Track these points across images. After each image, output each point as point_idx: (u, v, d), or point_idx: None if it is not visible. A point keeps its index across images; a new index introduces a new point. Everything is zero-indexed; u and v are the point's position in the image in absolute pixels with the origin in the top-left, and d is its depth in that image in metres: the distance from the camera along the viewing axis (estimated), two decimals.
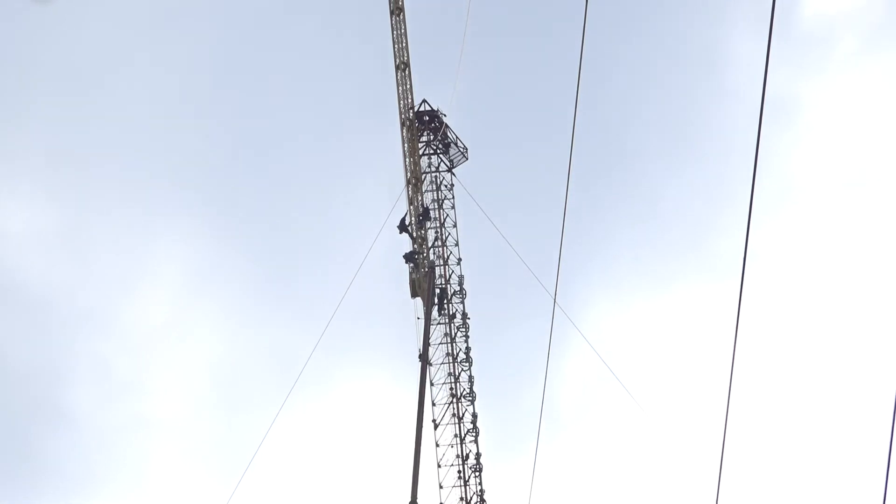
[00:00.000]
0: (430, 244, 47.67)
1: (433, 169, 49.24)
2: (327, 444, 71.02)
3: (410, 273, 47.12)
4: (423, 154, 49.01)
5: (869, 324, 71.59)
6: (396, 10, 47.13)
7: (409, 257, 47.28)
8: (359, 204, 76.72)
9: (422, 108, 48.84)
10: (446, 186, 49.08)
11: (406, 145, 47.90)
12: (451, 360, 46.81)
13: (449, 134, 49.30)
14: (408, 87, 47.69)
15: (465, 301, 47.60)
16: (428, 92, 49.32)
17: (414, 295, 46.90)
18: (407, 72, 47.50)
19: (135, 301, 76.91)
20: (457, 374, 46.75)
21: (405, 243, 47.56)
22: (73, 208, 79.73)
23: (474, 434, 46.37)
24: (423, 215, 47.61)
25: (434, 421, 46.06)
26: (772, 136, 79.79)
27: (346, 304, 47.42)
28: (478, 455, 46.15)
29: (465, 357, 46.93)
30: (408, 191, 47.72)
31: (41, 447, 71.29)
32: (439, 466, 45.80)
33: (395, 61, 47.41)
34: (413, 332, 46.42)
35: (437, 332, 46.81)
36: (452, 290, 47.52)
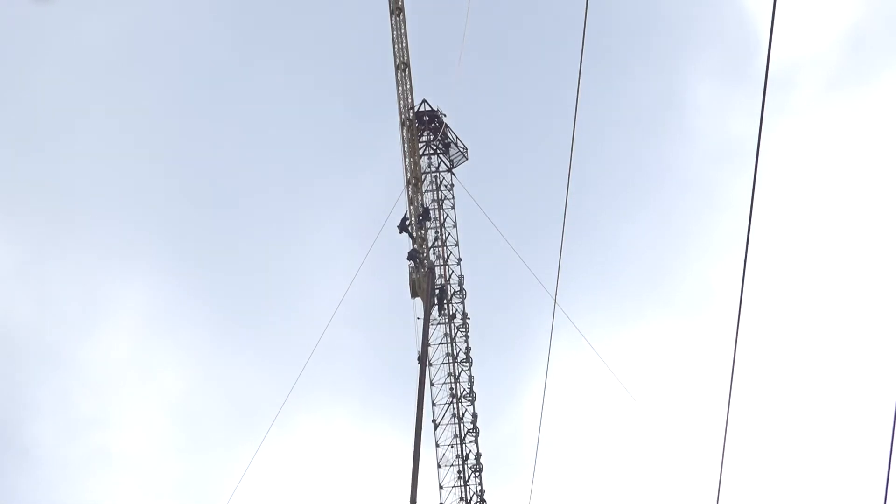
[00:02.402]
0: (430, 244, 47.68)
1: (433, 169, 49.24)
2: (312, 474, 71.51)
3: (410, 273, 47.11)
4: (423, 154, 49.00)
5: (830, 354, 72.32)
6: (396, 10, 47.12)
7: (412, 255, 47.22)
8: (358, 204, 76.85)
9: (422, 108, 48.84)
10: (446, 186, 49.09)
11: (406, 145, 47.89)
12: (451, 361, 46.82)
13: (449, 134, 49.30)
14: (408, 87, 47.69)
15: (465, 301, 47.65)
16: (428, 92, 49.36)
17: (414, 295, 46.89)
18: (407, 72, 47.49)
19: (96, 339, 77.38)
20: (457, 374, 46.76)
21: (405, 243, 47.59)
22: (32, 248, 79.94)
23: (474, 434, 46.37)
24: (423, 215, 47.60)
25: (434, 421, 46.07)
26: (730, 178, 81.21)
27: (340, 313, 47.68)
28: (478, 455, 46.16)
29: (465, 357, 46.94)
30: (408, 191, 47.71)
31: (4, 481, 71.50)
32: (439, 466, 45.82)
33: (395, 61, 47.39)
34: (412, 332, 46.47)
35: (437, 333, 46.84)
36: (452, 290, 47.52)
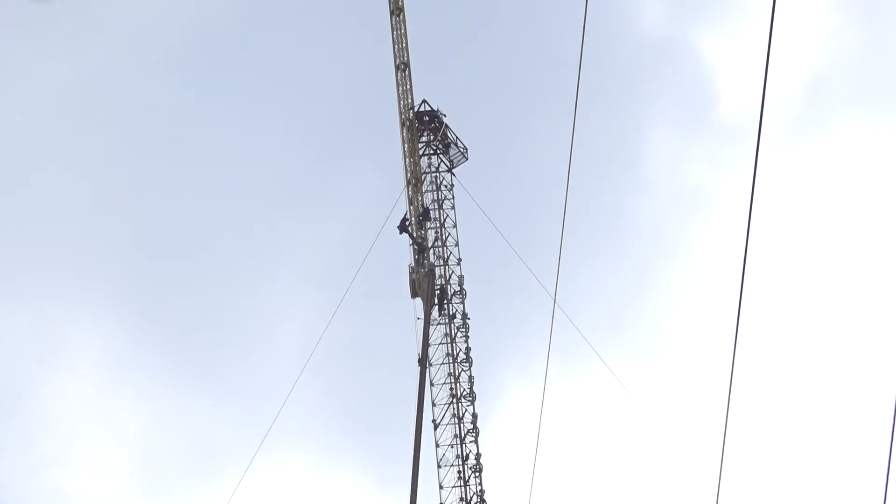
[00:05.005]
0: (430, 244, 47.67)
1: (433, 169, 49.24)
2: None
3: (410, 273, 47.12)
4: (423, 154, 48.99)
5: (805, 376, 72.87)
6: (396, 10, 47.08)
7: (421, 249, 47.14)
8: (359, 203, 76.91)
9: (422, 108, 48.82)
10: (446, 186, 49.09)
11: (406, 145, 47.86)
12: (451, 361, 46.82)
13: (449, 134, 49.28)
14: (408, 87, 47.64)
15: (465, 301, 47.64)
16: (428, 92, 49.35)
17: (414, 295, 46.89)
18: (407, 72, 47.45)
19: (57, 381, 77.33)
20: (457, 374, 46.76)
21: (405, 244, 47.58)
22: None
23: (474, 434, 46.38)
24: (423, 215, 47.58)
25: (434, 421, 46.07)
26: (687, 225, 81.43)
27: (336, 317, 47.81)
28: (478, 455, 46.17)
29: (465, 357, 46.93)
30: (408, 191, 47.70)
31: None
32: (439, 467, 45.83)
33: (395, 61, 47.35)
34: (412, 332, 46.46)
35: (437, 333, 46.84)
36: (452, 291, 47.52)
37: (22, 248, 77.82)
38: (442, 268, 47.63)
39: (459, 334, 47.12)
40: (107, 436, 75.24)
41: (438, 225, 48.11)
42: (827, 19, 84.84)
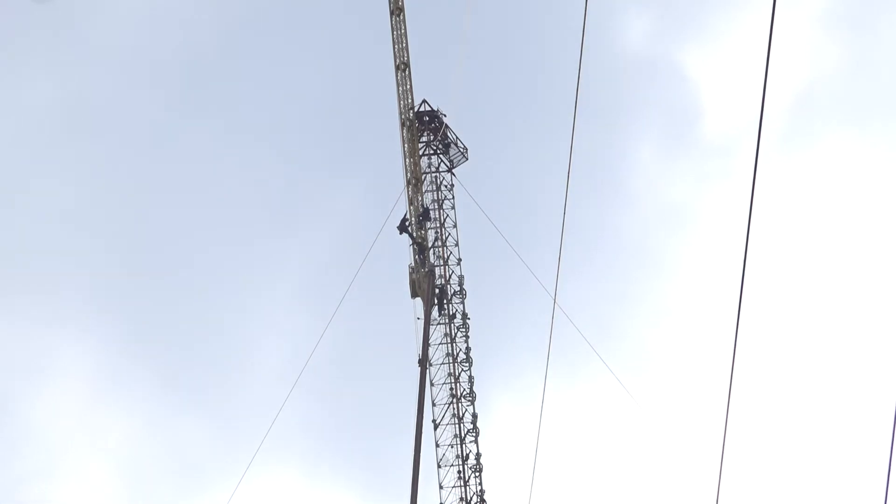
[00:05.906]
0: (430, 244, 47.67)
1: (433, 169, 49.25)
2: None
3: (410, 273, 47.13)
4: (423, 154, 49.00)
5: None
6: (396, 10, 47.09)
7: (420, 249, 47.16)
8: (359, 203, 76.91)
9: (422, 109, 48.84)
10: (446, 186, 49.09)
11: (406, 145, 47.86)
12: (451, 361, 46.83)
13: (449, 134, 49.30)
14: (408, 87, 47.65)
15: (465, 301, 47.65)
16: (428, 92, 49.36)
17: (414, 295, 46.90)
18: (407, 72, 47.46)
19: (45, 397, 77.40)
20: (457, 374, 46.76)
21: (405, 244, 47.57)
22: None
23: (474, 434, 46.39)
24: (423, 215, 47.59)
25: (434, 421, 46.09)
26: (672, 240, 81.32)
27: (335, 318, 47.80)
28: (478, 455, 46.17)
29: (465, 357, 46.94)
30: (408, 191, 47.70)
31: None
32: (439, 467, 45.84)
33: (395, 61, 47.36)
34: (412, 332, 46.48)
35: (437, 333, 46.85)
36: (452, 291, 47.53)
37: (9, 260, 77.88)
38: (442, 268, 47.65)
39: (459, 334, 47.14)
40: (93, 449, 75.25)
41: (438, 225, 48.11)
42: (812, 37, 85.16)
